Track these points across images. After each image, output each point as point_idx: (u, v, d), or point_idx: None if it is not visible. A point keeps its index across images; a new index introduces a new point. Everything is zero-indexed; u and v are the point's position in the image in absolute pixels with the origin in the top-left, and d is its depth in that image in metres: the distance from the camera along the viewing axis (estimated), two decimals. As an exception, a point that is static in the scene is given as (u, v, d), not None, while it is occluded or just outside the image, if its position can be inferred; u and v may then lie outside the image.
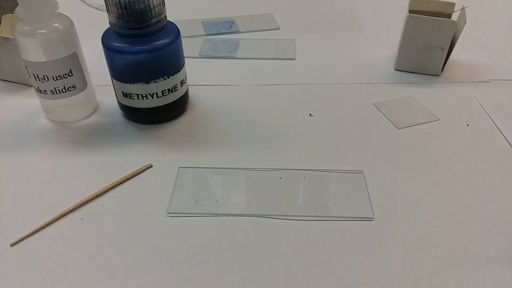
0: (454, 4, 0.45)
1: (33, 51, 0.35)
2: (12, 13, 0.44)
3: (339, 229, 0.29)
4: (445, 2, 0.45)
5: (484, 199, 0.31)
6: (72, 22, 0.36)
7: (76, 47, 0.36)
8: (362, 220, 0.30)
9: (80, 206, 0.31)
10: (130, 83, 0.36)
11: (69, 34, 0.35)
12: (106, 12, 0.34)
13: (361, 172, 0.34)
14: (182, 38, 0.38)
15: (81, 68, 0.37)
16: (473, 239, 0.29)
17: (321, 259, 0.27)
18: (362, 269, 0.27)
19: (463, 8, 0.43)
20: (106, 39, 0.35)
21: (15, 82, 0.45)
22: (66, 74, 0.36)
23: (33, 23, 0.34)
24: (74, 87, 0.37)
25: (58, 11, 0.35)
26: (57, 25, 0.35)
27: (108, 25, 0.35)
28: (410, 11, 0.43)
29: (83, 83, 0.38)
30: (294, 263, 0.27)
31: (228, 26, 0.56)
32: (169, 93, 0.37)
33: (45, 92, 0.37)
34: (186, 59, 0.41)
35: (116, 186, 0.33)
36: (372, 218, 0.30)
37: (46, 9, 0.34)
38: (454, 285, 0.26)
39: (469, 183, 0.33)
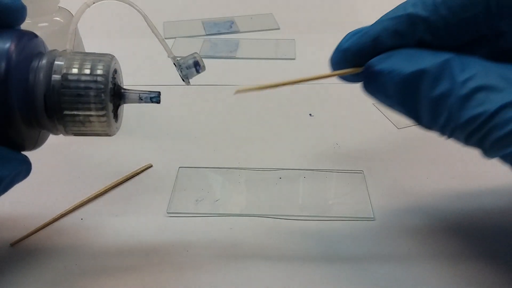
0: (454, 4, 0.45)
1: None
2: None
3: (339, 229, 0.29)
4: (445, 2, 0.45)
5: (484, 199, 0.31)
6: (73, 16, 0.36)
7: (77, 40, 0.37)
8: (362, 220, 0.30)
9: (80, 206, 0.31)
10: None
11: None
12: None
13: (361, 172, 0.34)
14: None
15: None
16: (473, 239, 0.29)
17: (321, 259, 0.27)
18: (362, 269, 0.27)
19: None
20: None
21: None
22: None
23: (35, 16, 0.35)
24: None
25: (59, 5, 0.36)
26: (58, 18, 0.35)
27: None
28: (410, 11, 0.43)
29: None
30: (294, 263, 0.27)
31: (228, 26, 0.56)
32: None
33: None
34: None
35: (116, 186, 0.33)
36: (372, 218, 0.30)
37: (47, 3, 0.34)
38: (455, 285, 0.26)
39: (469, 183, 0.33)
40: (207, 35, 0.54)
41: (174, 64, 0.29)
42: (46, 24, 0.35)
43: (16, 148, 0.23)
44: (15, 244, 0.28)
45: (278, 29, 0.56)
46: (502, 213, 0.30)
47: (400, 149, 0.36)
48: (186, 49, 0.51)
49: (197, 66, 0.28)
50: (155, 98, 0.24)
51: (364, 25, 0.24)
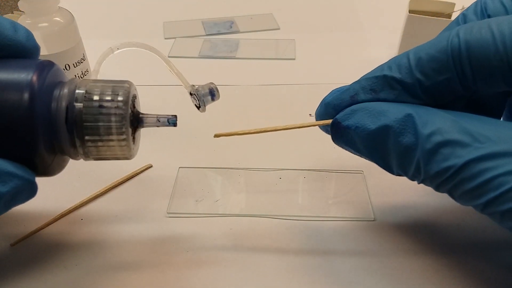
0: (454, 4, 0.45)
1: None
2: (12, 13, 0.44)
3: (339, 229, 0.29)
4: (445, 2, 0.45)
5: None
6: (73, 16, 0.37)
7: (77, 40, 0.37)
8: (362, 221, 0.30)
9: (80, 206, 0.31)
10: None
11: (70, 28, 0.36)
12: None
13: (361, 172, 0.34)
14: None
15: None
16: (473, 239, 0.29)
17: (321, 260, 0.27)
18: (362, 270, 0.27)
19: (463, 8, 0.43)
20: None
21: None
22: (82, 59, 0.38)
23: (35, 16, 0.35)
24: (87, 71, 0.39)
25: (59, 5, 0.36)
26: (58, 18, 0.35)
27: None
28: (410, 11, 0.43)
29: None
30: (294, 263, 0.27)
31: (228, 26, 0.56)
32: None
33: None
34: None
35: (116, 186, 0.33)
36: (373, 218, 0.30)
37: (47, 3, 0.35)
38: (454, 285, 0.26)
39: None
40: (207, 35, 0.54)
41: (190, 93, 0.30)
42: (46, 24, 0.35)
43: (39, 174, 0.24)
44: (15, 244, 0.29)
45: (278, 29, 0.56)
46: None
47: (400, 149, 0.36)
48: (186, 49, 0.51)
49: (213, 94, 0.30)
50: (172, 120, 0.25)
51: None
